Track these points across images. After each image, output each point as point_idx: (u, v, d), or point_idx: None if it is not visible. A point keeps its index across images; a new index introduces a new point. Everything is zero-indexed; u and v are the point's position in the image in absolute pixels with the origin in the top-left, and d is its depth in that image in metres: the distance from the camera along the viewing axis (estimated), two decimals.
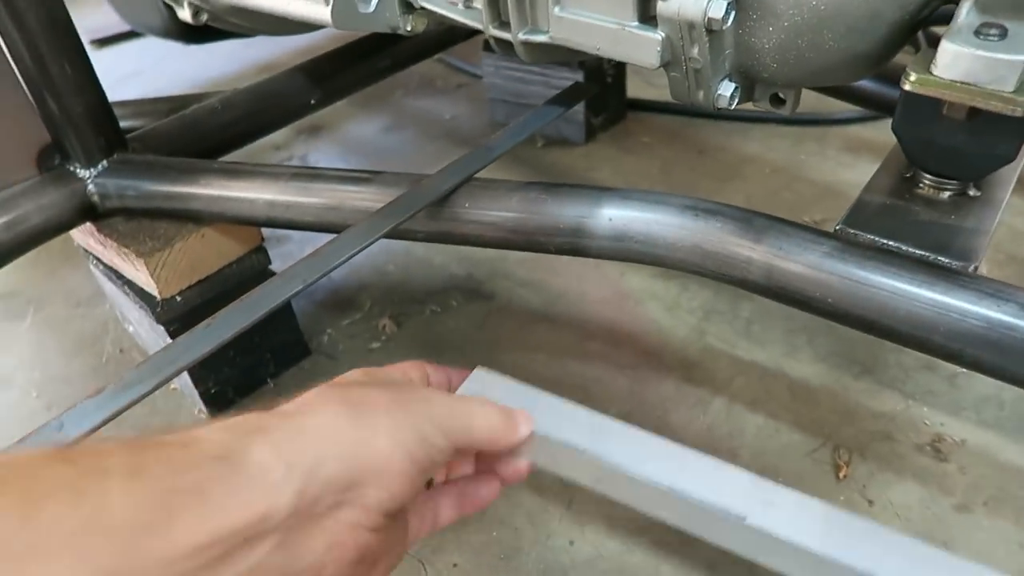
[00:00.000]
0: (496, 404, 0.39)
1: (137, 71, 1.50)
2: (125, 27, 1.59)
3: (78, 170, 0.65)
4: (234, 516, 0.27)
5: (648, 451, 0.44)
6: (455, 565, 0.59)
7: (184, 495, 0.26)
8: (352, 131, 1.23)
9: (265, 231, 0.71)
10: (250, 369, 0.74)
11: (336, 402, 0.32)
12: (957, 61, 0.38)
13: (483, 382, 0.46)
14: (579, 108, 1.10)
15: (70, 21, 0.62)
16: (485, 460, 0.42)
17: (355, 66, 0.86)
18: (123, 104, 0.86)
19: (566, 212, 0.53)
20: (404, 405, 0.34)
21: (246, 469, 0.28)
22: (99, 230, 0.66)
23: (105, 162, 0.66)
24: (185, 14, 0.75)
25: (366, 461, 0.31)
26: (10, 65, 0.61)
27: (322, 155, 1.18)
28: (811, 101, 0.52)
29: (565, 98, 0.70)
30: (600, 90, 1.12)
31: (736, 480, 0.43)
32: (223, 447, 0.28)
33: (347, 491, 0.30)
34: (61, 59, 0.61)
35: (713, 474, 0.43)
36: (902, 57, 0.48)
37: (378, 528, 0.32)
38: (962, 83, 0.38)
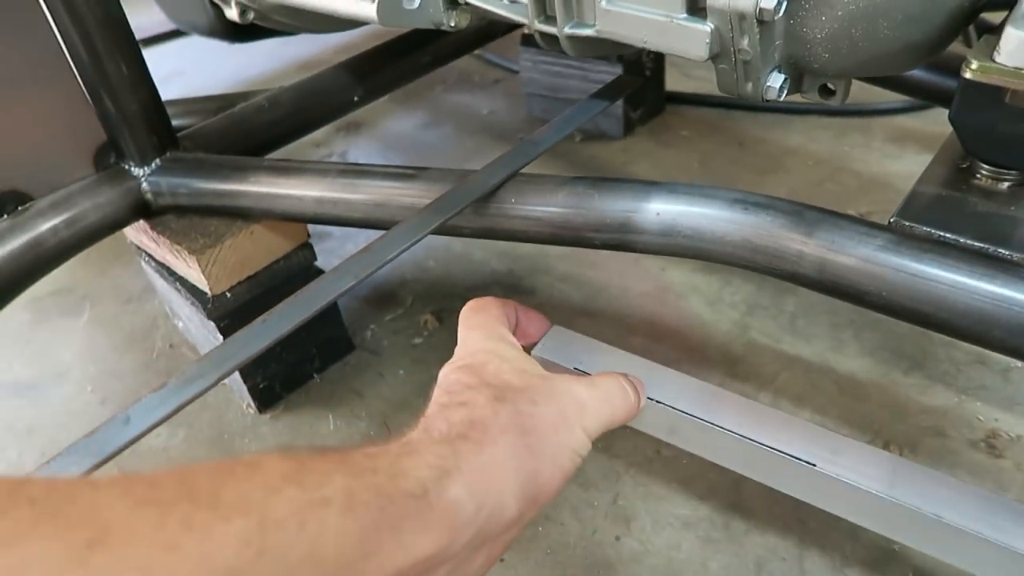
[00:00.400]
0: (623, 380, 0.43)
1: (178, 71, 1.52)
2: (165, 28, 1.62)
3: (132, 168, 0.67)
4: (419, 550, 0.29)
5: (720, 403, 0.46)
6: (501, 560, 0.60)
7: (383, 531, 0.27)
8: (391, 127, 1.24)
9: (308, 228, 0.72)
10: (297, 364, 0.76)
11: (512, 430, 0.35)
12: (1023, 48, 0.37)
13: (560, 339, 0.50)
14: (617, 102, 1.10)
15: (126, 21, 0.63)
16: None
17: (397, 63, 0.86)
18: (174, 103, 0.88)
19: (613, 207, 0.53)
20: (565, 422, 0.37)
21: (440, 509, 0.30)
22: (152, 227, 0.68)
23: (158, 160, 0.67)
24: (232, 13, 0.76)
25: (537, 494, 0.35)
26: (69, 65, 0.63)
27: (361, 152, 1.19)
28: (855, 91, 0.51)
29: (609, 91, 0.69)
30: (642, 80, 1.11)
31: (805, 431, 0.44)
32: (422, 485, 0.30)
33: (517, 523, 0.34)
34: (117, 59, 0.63)
35: (783, 425, 0.45)
36: (951, 46, 0.47)
37: (519, 533, 0.36)
38: None
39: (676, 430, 0.47)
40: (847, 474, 0.42)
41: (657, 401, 0.46)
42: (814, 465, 0.43)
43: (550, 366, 0.50)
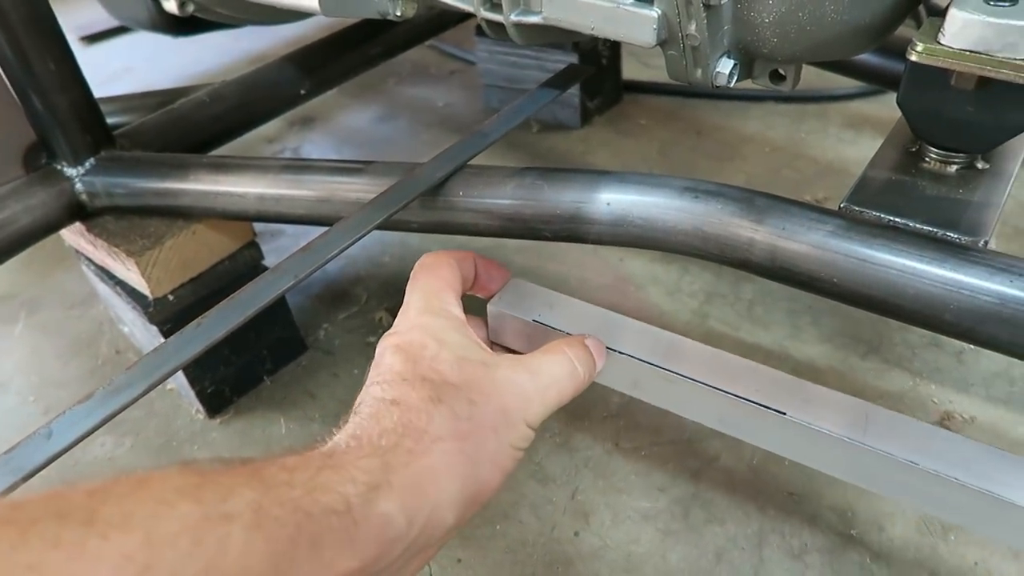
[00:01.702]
0: (576, 350, 0.40)
1: (128, 67, 1.48)
2: (114, 23, 1.57)
3: (65, 169, 0.64)
4: (342, 566, 0.27)
5: (685, 352, 0.45)
6: (459, 560, 0.59)
7: (300, 548, 0.26)
8: (345, 121, 1.22)
9: (259, 226, 0.70)
10: (246, 367, 0.73)
11: (448, 437, 0.33)
12: (966, 29, 0.36)
13: (518, 292, 0.49)
14: (574, 92, 1.09)
15: (53, 17, 0.60)
16: None
17: (346, 54, 0.84)
18: (110, 100, 0.85)
19: (563, 198, 0.51)
20: (506, 419, 0.35)
21: (366, 524, 0.28)
22: (89, 230, 0.65)
23: (92, 160, 0.64)
24: (171, 5, 0.73)
25: (475, 497, 0.33)
26: None
27: (315, 146, 1.16)
28: (811, 77, 0.51)
29: (560, 80, 0.68)
30: (595, 72, 1.10)
31: (774, 379, 0.43)
32: (345, 501, 0.28)
33: (454, 528, 0.33)
34: (44, 56, 0.60)
35: (752, 373, 0.44)
36: (902, 29, 0.47)
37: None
38: (972, 52, 0.37)
39: (639, 383, 0.45)
40: (819, 422, 0.40)
41: (619, 352, 0.44)
42: (784, 413, 0.41)
43: (507, 319, 0.48)
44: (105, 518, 0.22)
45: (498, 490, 0.35)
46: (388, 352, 0.37)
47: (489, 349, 0.39)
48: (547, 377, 0.39)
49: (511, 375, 0.37)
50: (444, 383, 0.35)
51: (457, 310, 0.40)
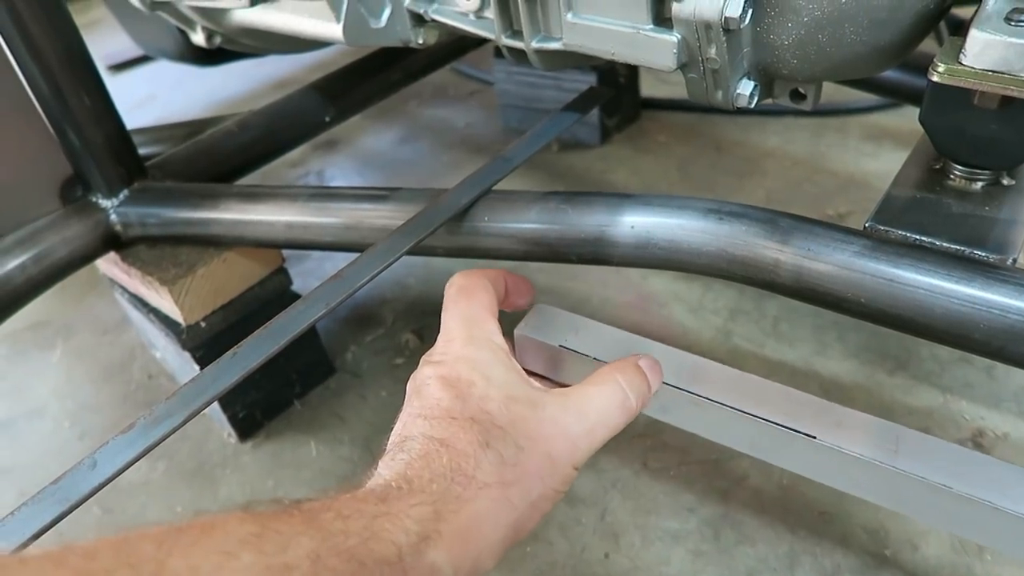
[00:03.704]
0: (630, 377, 0.40)
1: (153, 95, 1.51)
2: (140, 52, 1.61)
3: (100, 200, 0.66)
4: None
5: (713, 376, 0.45)
6: None
7: None
8: (367, 144, 1.24)
9: (286, 251, 0.71)
10: (276, 391, 0.75)
11: (495, 485, 0.33)
12: (988, 49, 0.37)
13: (544, 317, 0.49)
14: (593, 110, 1.09)
15: (87, 52, 0.62)
16: None
17: (368, 81, 0.86)
18: (141, 131, 0.87)
19: (587, 221, 0.52)
20: (553, 465, 0.35)
21: (415, 574, 0.29)
22: (123, 259, 0.67)
23: (126, 191, 0.66)
24: (199, 38, 0.75)
25: (513, 540, 0.34)
26: (31, 100, 0.62)
27: (338, 170, 1.18)
28: (830, 90, 0.51)
29: (580, 104, 0.69)
30: (614, 91, 1.11)
31: (804, 403, 0.43)
32: (398, 551, 0.29)
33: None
34: (79, 91, 0.62)
35: (781, 397, 0.43)
36: (923, 43, 0.47)
37: None
38: (994, 72, 0.37)
39: (667, 407, 0.45)
40: (849, 445, 0.40)
41: None
42: (814, 437, 0.41)
43: (534, 345, 0.48)
44: (173, 570, 0.23)
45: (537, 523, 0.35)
46: (434, 384, 0.36)
47: (534, 382, 0.39)
48: (595, 415, 0.38)
49: (559, 416, 0.36)
50: (492, 425, 0.35)
51: (499, 338, 0.40)
